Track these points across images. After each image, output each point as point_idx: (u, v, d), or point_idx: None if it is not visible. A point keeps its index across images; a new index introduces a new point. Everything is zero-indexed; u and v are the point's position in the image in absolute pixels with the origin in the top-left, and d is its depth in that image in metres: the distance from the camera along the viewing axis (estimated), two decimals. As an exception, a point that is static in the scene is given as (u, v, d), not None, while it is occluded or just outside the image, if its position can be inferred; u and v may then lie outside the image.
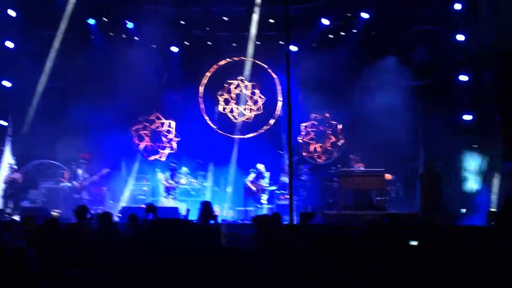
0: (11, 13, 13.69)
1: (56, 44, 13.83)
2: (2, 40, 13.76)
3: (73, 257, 4.60)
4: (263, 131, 15.43)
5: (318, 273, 4.53)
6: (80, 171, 13.35)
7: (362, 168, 12.70)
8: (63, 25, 13.59)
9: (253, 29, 14.33)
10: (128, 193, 14.08)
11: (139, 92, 15.00)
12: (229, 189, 14.16)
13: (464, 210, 11.98)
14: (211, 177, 14.23)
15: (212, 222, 9.08)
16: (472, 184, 12.32)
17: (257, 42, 15.23)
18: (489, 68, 12.83)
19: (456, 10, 13.41)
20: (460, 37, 13.40)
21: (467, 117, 13.10)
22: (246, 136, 15.45)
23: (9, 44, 13.81)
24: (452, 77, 13.45)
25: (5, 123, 13.72)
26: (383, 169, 12.24)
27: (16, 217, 10.98)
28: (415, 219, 10.59)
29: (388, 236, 6.68)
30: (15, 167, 13.15)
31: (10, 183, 12.94)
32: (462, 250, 5.17)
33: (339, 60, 13.91)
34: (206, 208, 9.03)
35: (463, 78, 13.30)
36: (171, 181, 13.08)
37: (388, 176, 12.60)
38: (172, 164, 13.46)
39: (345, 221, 10.32)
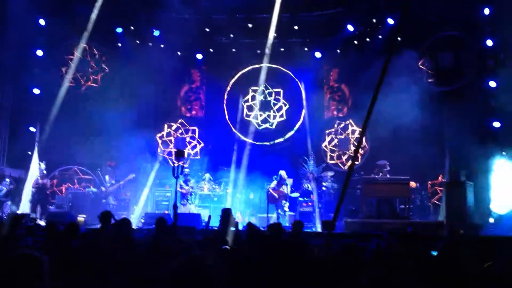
0: (41, 22, 14.10)
1: (83, 51, 14.11)
2: (33, 48, 14.17)
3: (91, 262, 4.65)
4: (286, 137, 15.40)
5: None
6: (107, 177, 13.58)
7: (387, 176, 12.47)
8: (91, 33, 13.82)
9: (271, 34, 14.19)
10: (151, 199, 14.20)
11: (163, 99, 15.19)
12: (252, 196, 14.13)
13: (492, 220, 11.64)
14: (233, 184, 14.20)
15: (233, 229, 9.06)
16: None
17: (281, 49, 15.25)
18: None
19: (485, 15, 13.09)
20: (488, 43, 13.07)
21: (496, 124, 12.73)
22: (269, 143, 15.44)
23: (39, 53, 14.21)
24: (479, 83, 13.11)
25: (33, 129, 14.02)
26: (407, 177, 11.98)
27: (42, 222, 11.18)
28: (440, 229, 10.35)
29: (409, 246, 6.54)
30: (45, 172, 13.39)
31: (39, 188, 13.18)
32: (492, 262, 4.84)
33: (363, 67, 13.75)
34: (227, 215, 9.03)
35: (492, 84, 12.95)
36: (185, 187, 13.10)
37: (412, 184, 12.37)
38: (186, 170, 13.48)
39: (367, 229, 10.15)
